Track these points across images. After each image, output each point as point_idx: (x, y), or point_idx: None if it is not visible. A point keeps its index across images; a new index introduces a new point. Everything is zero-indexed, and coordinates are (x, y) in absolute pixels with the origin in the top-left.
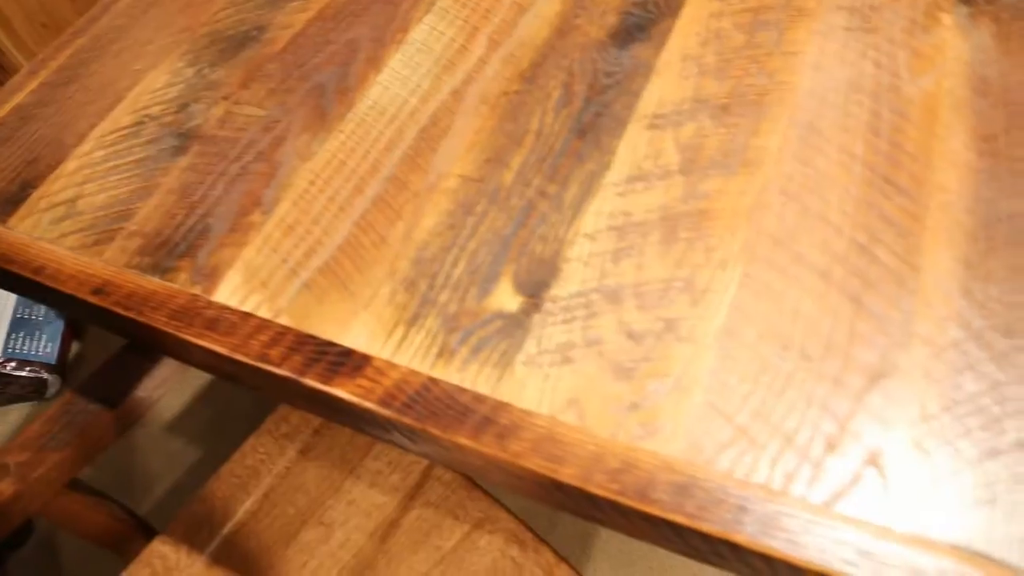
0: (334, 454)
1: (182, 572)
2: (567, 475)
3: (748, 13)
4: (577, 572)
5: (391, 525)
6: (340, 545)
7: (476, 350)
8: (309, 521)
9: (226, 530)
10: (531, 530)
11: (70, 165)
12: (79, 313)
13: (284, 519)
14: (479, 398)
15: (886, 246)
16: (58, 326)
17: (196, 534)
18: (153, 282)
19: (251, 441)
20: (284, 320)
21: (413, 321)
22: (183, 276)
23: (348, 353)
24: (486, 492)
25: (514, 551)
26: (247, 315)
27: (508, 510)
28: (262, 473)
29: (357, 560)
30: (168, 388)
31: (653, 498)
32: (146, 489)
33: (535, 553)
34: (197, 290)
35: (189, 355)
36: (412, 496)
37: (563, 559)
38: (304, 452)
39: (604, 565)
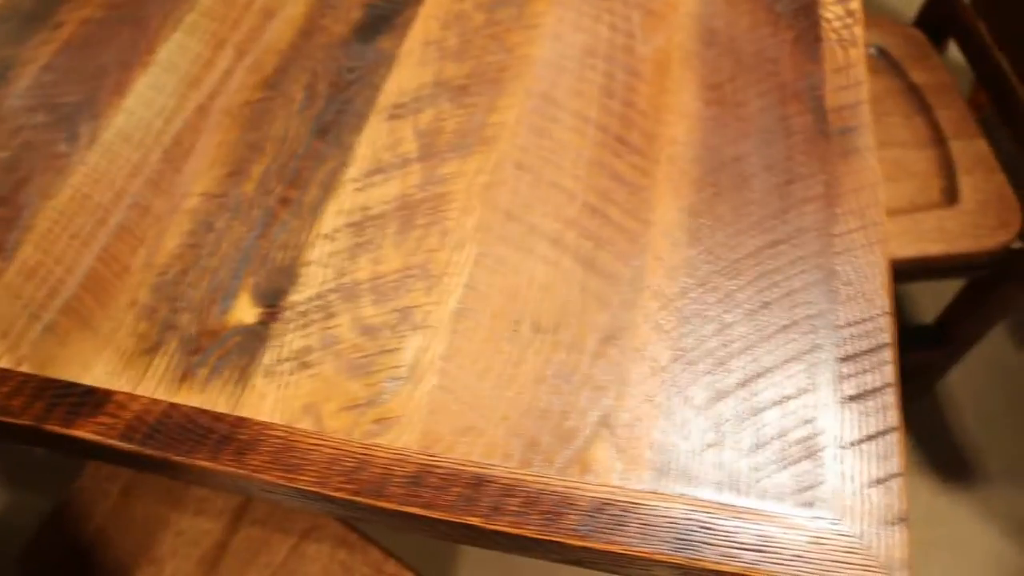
0: (158, 488)
1: None
2: (305, 482)
3: None
4: (405, 564)
5: (220, 549)
6: None
7: (216, 369)
8: (139, 560)
9: None
10: (357, 531)
11: None
12: None
13: (114, 563)
14: (219, 417)
15: (618, 205)
16: None
17: None
18: None
19: (72, 488)
20: (26, 367)
21: (155, 349)
22: None
23: (90, 392)
24: None
25: (342, 555)
26: None
27: (333, 516)
28: (86, 519)
29: None
30: None
31: (388, 493)
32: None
33: (363, 554)
34: None
35: None
36: (238, 517)
37: (391, 555)
38: (127, 491)
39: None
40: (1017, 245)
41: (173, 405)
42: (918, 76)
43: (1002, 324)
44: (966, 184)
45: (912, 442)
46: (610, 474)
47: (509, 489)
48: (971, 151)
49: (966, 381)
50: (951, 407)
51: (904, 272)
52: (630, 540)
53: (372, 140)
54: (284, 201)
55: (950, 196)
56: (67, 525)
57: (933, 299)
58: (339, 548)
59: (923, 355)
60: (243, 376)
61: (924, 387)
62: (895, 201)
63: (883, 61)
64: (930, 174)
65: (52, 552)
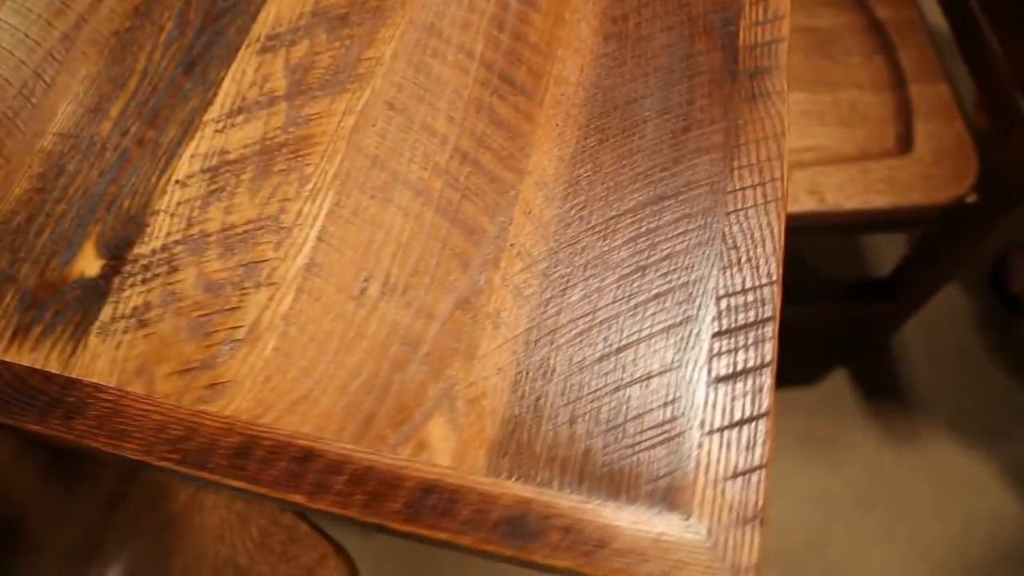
0: None
1: None
2: (130, 450)
3: None
4: (301, 515)
5: (119, 497)
6: (70, 523)
7: (51, 326)
8: (36, 507)
9: None
10: None
11: None
12: None
13: (11, 511)
14: (49, 378)
15: (493, 152)
16: None
17: None
18: None
19: None
20: None
21: None
22: None
23: None
24: None
25: (239, 505)
26: None
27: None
28: None
29: (86, 534)
30: None
31: (212, 464)
32: None
33: (259, 505)
34: None
35: None
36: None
37: None
38: (25, 447)
39: None
40: (972, 199)
41: (3, 363)
42: (882, 11)
43: (958, 279)
44: (922, 131)
45: (861, 397)
46: (444, 453)
47: (336, 466)
48: (932, 95)
49: (920, 335)
50: (903, 362)
51: (847, 225)
52: (457, 526)
53: (239, 76)
54: (140, 142)
55: (904, 144)
56: None
57: (895, 250)
58: (235, 498)
59: (876, 308)
60: (76, 334)
61: (877, 341)
62: (844, 147)
63: None
64: (886, 119)
65: None
